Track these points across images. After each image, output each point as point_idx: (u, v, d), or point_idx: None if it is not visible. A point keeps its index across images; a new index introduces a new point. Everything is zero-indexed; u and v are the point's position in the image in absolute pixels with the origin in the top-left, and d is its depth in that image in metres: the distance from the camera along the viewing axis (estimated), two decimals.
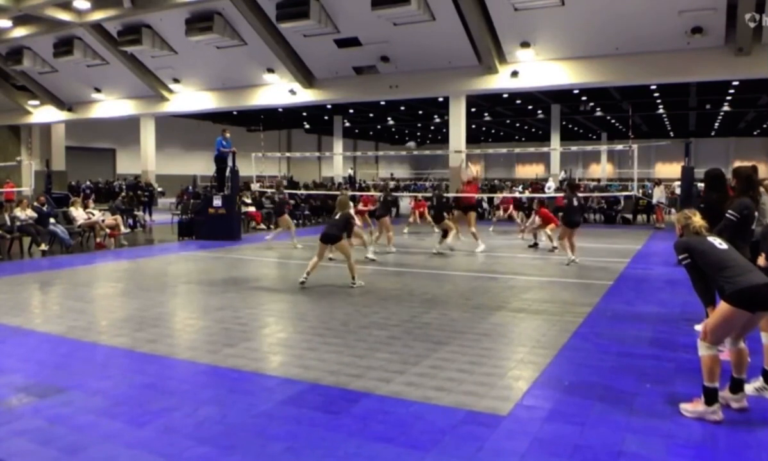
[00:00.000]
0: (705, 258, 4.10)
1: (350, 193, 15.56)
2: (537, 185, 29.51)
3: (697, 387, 4.10)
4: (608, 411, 4.17)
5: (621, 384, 4.70)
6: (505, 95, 27.67)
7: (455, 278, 10.07)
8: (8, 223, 12.78)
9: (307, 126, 46.11)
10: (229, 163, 16.27)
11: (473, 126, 40.41)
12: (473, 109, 32.86)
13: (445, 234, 12.74)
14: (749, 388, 4.34)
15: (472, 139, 44.25)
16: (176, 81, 23.86)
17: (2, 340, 6.06)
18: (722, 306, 3.96)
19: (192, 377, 5.00)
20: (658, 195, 20.73)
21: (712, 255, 4.08)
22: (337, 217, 9.20)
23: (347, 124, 42.46)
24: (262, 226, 19.02)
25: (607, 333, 6.27)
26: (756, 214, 5.59)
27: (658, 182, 21.84)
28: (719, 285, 3.98)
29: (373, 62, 19.68)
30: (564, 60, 17.75)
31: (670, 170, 46.27)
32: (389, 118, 41.68)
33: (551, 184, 27.29)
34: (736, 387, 4.17)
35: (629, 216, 21.72)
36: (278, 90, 22.10)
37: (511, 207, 19.70)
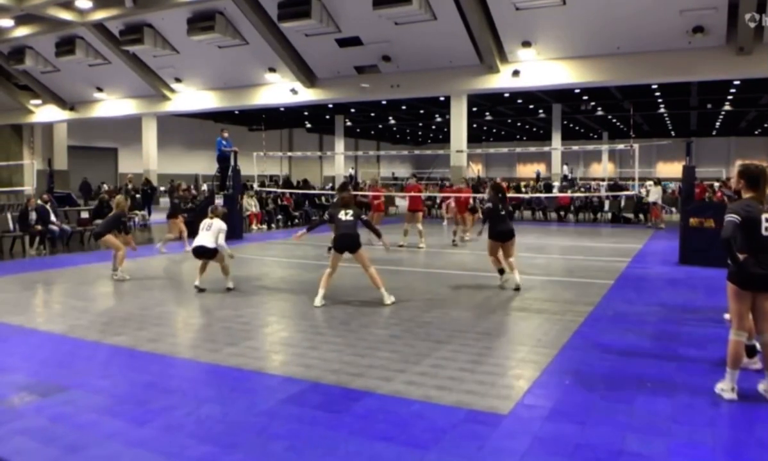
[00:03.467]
0: (746, 230, 4.30)
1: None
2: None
3: (697, 387, 4.12)
4: (609, 410, 4.17)
5: (622, 383, 4.70)
6: (507, 94, 27.65)
7: (455, 277, 10.06)
8: (10, 223, 12.83)
9: (309, 125, 46.11)
10: (231, 162, 16.31)
11: (474, 125, 40.38)
12: (474, 109, 32.83)
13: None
14: (760, 388, 4.39)
15: (474, 138, 44.23)
16: (178, 80, 23.86)
17: (4, 339, 6.08)
18: (728, 287, 4.42)
19: (193, 376, 5.02)
20: (655, 195, 20.68)
21: (753, 232, 4.29)
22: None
23: (348, 124, 42.44)
24: (263, 226, 19.10)
25: (608, 332, 6.27)
26: None
27: (657, 181, 21.78)
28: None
29: (375, 61, 19.67)
30: (565, 59, 17.73)
31: (671, 169, 46.22)
32: (390, 118, 41.68)
33: (555, 183, 27.41)
34: None
35: (630, 215, 21.71)
36: (280, 89, 22.10)
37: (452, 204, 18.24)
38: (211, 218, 8.76)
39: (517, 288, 8.57)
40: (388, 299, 7.60)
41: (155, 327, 6.56)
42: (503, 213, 8.92)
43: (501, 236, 8.81)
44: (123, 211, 10.18)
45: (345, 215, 7.62)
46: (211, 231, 8.57)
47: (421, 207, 15.07)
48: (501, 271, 9.04)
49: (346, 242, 7.52)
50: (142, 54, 22.04)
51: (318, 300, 7.50)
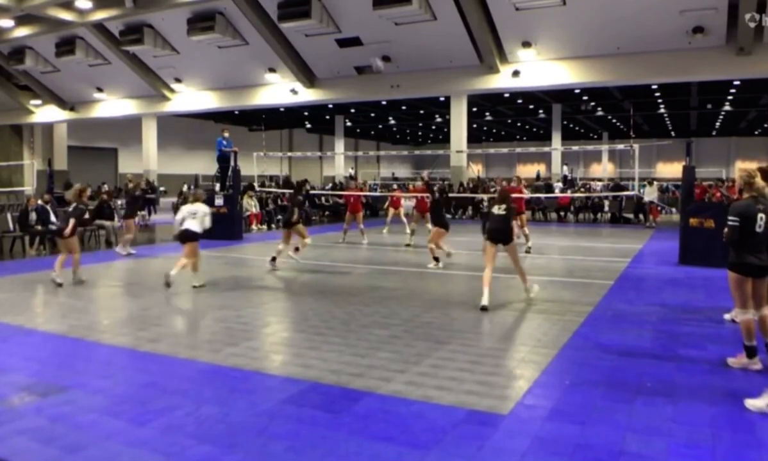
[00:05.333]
0: (744, 228, 4.92)
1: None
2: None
3: (697, 387, 4.11)
4: (609, 410, 4.17)
5: (622, 384, 4.70)
6: (507, 95, 27.66)
7: (456, 277, 10.07)
8: (10, 224, 12.84)
9: (309, 125, 46.14)
10: (231, 162, 16.34)
11: (474, 125, 40.40)
12: (474, 109, 32.86)
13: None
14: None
15: (474, 138, 44.23)
16: (178, 80, 23.87)
17: (5, 339, 6.08)
18: (729, 275, 5.04)
19: (193, 376, 5.02)
20: (651, 194, 20.66)
21: (749, 230, 4.90)
22: None
23: (348, 124, 42.46)
24: (263, 226, 19.11)
25: (608, 333, 6.27)
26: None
27: (650, 182, 21.79)
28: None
29: (377, 60, 19.68)
30: (565, 59, 17.73)
31: (671, 170, 46.23)
32: (390, 118, 41.68)
33: (559, 183, 27.49)
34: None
35: (630, 215, 21.70)
36: (280, 89, 22.10)
37: (401, 208, 18.12)
38: (193, 203, 8.86)
39: (436, 260, 10.68)
40: (533, 292, 7.96)
41: (155, 327, 6.56)
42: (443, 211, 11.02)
43: (447, 227, 10.78)
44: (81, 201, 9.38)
45: (498, 210, 7.91)
46: (198, 218, 8.69)
47: (426, 207, 15.28)
48: (437, 259, 10.76)
49: (498, 235, 7.83)
50: (142, 54, 22.04)
51: (485, 300, 7.36)
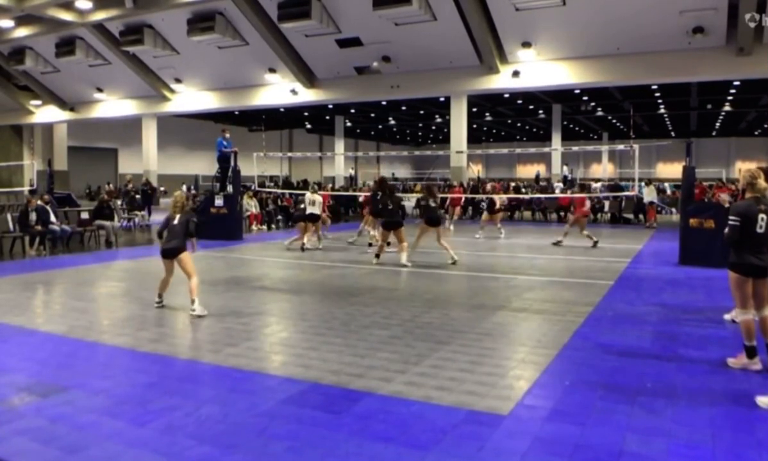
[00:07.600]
0: (745, 228, 4.93)
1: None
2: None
3: (697, 388, 4.11)
4: (609, 410, 4.17)
5: (622, 384, 4.70)
6: (506, 95, 27.70)
7: (456, 278, 10.07)
8: (10, 224, 12.84)
9: (309, 126, 46.17)
10: (232, 162, 16.35)
11: (474, 126, 40.44)
12: (474, 109, 32.88)
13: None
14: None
15: (474, 139, 44.29)
16: (178, 81, 23.89)
17: (5, 340, 6.08)
18: (730, 275, 5.04)
19: (194, 376, 5.02)
20: (649, 194, 20.67)
21: (750, 230, 4.92)
22: None
23: (348, 124, 42.49)
24: (263, 227, 19.10)
25: (608, 333, 6.27)
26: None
27: (648, 182, 21.79)
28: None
29: (375, 62, 19.70)
30: (565, 60, 17.76)
31: (671, 170, 46.26)
32: (390, 118, 41.70)
33: (560, 184, 27.52)
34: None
35: (630, 216, 21.70)
36: (280, 90, 22.13)
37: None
38: (313, 194, 13.04)
39: (404, 266, 10.58)
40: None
41: (156, 327, 6.56)
42: (390, 207, 10.90)
43: (388, 225, 10.90)
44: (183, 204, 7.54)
45: None
46: (317, 205, 12.90)
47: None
48: (378, 255, 11.09)
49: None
50: (142, 54, 22.08)
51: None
